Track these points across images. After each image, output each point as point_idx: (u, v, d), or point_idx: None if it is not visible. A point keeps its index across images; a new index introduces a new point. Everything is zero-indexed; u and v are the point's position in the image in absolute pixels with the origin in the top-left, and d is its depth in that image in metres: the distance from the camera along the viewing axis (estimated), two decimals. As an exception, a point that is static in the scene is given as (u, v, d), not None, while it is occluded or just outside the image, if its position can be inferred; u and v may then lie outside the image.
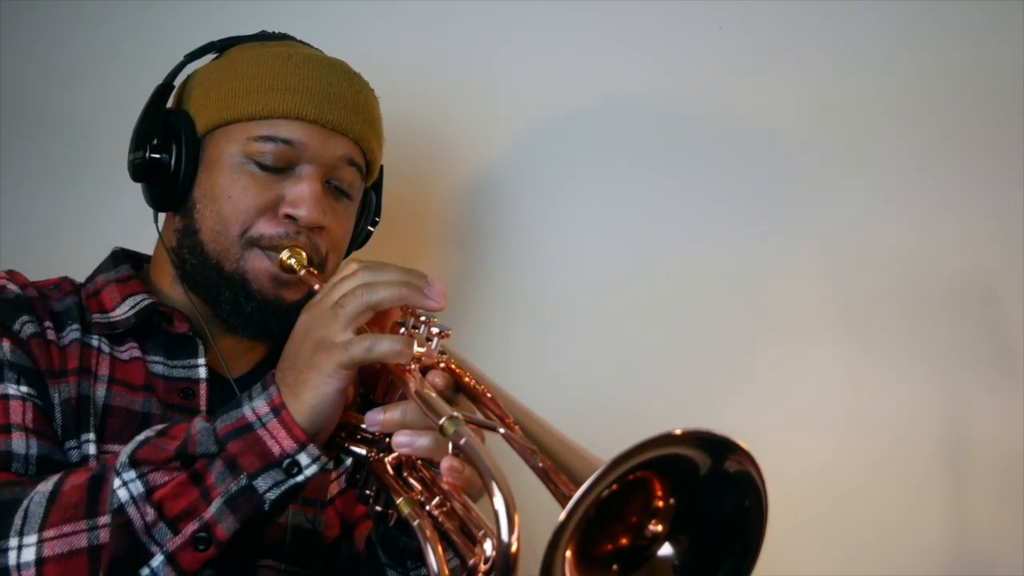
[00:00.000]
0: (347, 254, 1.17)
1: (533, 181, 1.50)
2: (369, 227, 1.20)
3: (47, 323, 0.96)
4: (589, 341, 1.44)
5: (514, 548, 0.60)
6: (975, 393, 1.33)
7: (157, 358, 1.01)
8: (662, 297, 1.43)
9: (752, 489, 0.62)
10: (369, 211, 1.19)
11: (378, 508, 0.83)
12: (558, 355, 1.44)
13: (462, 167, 1.52)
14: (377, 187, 1.21)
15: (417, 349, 0.79)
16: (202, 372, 1.02)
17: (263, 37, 1.13)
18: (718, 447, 0.60)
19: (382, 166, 1.20)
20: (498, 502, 0.61)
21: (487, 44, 1.53)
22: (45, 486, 0.78)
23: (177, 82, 1.11)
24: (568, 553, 0.61)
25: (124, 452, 0.79)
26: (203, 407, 1.00)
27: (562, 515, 0.57)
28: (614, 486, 0.60)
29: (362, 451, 0.84)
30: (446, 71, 1.53)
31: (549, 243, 1.48)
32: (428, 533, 0.72)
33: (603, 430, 1.36)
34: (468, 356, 0.85)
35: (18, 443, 0.87)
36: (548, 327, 1.45)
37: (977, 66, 1.38)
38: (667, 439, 0.58)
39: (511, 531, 0.60)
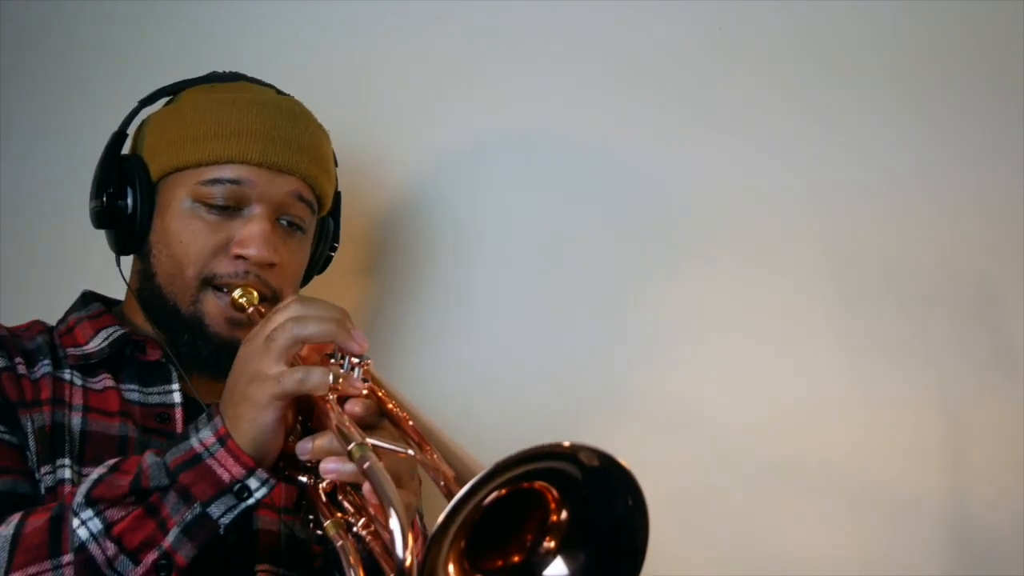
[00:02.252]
0: (307, 280, 1.22)
1: (528, 180, 1.52)
2: (329, 252, 1.25)
3: (18, 359, 1.01)
4: (577, 342, 1.45)
5: (408, 562, 0.63)
6: (975, 392, 1.32)
7: (132, 386, 1.06)
8: (657, 291, 1.44)
9: (629, 489, 0.65)
10: (327, 237, 1.23)
11: (319, 532, 0.87)
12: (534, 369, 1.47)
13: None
14: (335, 214, 1.25)
15: (335, 381, 0.83)
16: (176, 397, 1.06)
17: (213, 79, 1.17)
18: (576, 457, 0.64)
19: (339, 192, 1.24)
20: (393, 522, 0.65)
21: (484, 41, 1.54)
22: (6, 530, 0.83)
23: (132, 128, 1.16)
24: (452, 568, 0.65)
25: (79, 492, 0.84)
26: (180, 430, 1.04)
27: (440, 517, 0.61)
28: (499, 492, 0.65)
29: (303, 479, 0.88)
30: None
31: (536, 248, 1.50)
32: (350, 555, 0.76)
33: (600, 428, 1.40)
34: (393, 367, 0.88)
35: None
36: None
37: (978, 67, 1.37)
38: (517, 460, 0.62)
39: (404, 547, 0.64)
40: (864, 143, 1.40)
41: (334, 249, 1.25)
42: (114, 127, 1.15)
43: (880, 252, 1.38)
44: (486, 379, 1.46)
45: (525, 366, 1.45)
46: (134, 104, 1.17)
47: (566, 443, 0.64)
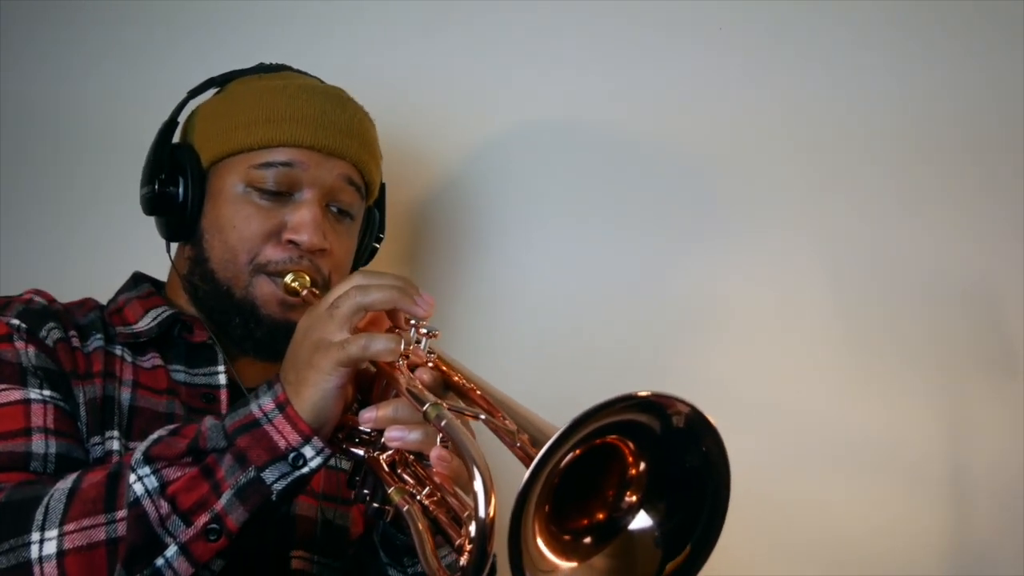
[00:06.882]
0: (353, 270, 1.22)
1: (524, 181, 1.53)
2: (375, 244, 1.25)
3: (72, 332, 1.02)
4: (578, 352, 1.46)
5: (491, 514, 0.63)
6: (975, 393, 1.33)
7: (178, 367, 1.07)
8: (652, 299, 1.45)
9: (707, 432, 0.64)
10: (373, 228, 1.24)
11: (375, 505, 0.86)
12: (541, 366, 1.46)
13: (453, 173, 1.55)
14: (380, 204, 1.26)
15: (406, 347, 0.83)
16: (222, 379, 1.07)
17: (261, 69, 1.18)
18: (655, 406, 0.64)
19: (384, 184, 1.25)
20: (476, 480, 0.65)
21: (485, 42, 1.56)
22: (64, 483, 0.83)
23: (182, 117, 1.17)
24: (536, 526, 0.64)
25: (138, 450, 0.84)
26: (224, 411, 1.03)
27: (526, 474, 0.61)
28: (576, 452, 0.64)
29: (360, 452, 0.88)
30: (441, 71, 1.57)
31: (533, 245, 1.51)
32: (417, 518, 0.75)
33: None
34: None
35: (38, 444, 0.91)
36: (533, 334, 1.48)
37: (979, 75, 1.39)
38: (603, 408, 0.61)
39: (487, 503, 0.63)
40: (866, 141, 1.41)
41: (379, 240, 1.26)
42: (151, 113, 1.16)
43: (881, 250, 1.39)
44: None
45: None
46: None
47: (641, 392, 0.63)
